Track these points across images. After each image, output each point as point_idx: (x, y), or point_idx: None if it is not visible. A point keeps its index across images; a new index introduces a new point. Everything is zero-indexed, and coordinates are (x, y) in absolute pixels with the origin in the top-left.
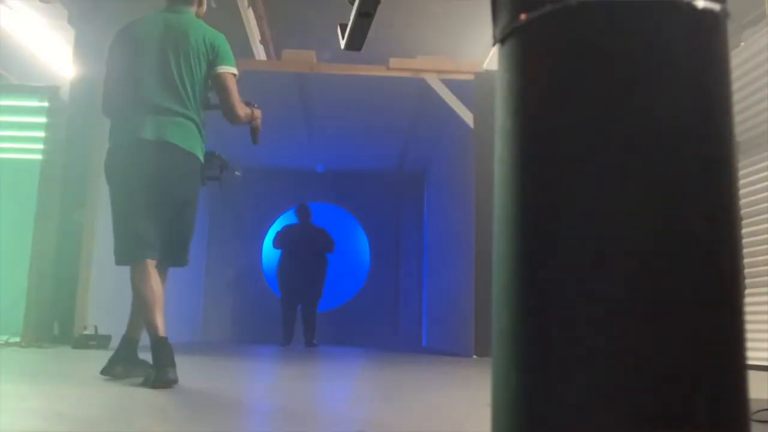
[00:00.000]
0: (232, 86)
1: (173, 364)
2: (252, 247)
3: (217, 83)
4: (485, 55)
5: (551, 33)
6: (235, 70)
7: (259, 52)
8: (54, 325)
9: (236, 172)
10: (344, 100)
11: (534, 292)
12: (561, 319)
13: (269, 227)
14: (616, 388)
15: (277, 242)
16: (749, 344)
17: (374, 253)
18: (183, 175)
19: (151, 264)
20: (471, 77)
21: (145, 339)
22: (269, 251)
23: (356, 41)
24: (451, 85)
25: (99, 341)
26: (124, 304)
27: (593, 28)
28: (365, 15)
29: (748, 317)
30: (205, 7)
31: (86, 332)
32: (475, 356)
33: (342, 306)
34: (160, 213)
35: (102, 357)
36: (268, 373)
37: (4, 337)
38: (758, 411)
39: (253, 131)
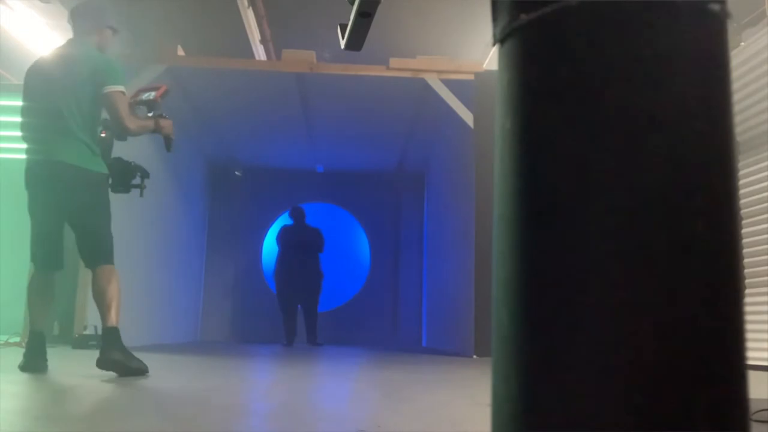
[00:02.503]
0: (118, 103)
1: (43, 357)
2: (251, 247)
3: (104, 102)
4: (485, 55)
5: (551, 33)
6: (121, 88)
7: (259, 52)
8: (54, 325)
9: (236, 172)
10: (344, 100)
11: (534, 292)
12: (561, 319)
13: (269, 227)
14: (615, 388)
15: (276, 241)
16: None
17: (374, 253)
18: (75, 187)
19: (41, 274)
20: (471, 77)
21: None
22: (269, 251)
23: (356, 41)
24: (451, 85)
25: (99, 341)
26: (124, 304)
27: (593, 28)
28: (365, 15)
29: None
30: (106, 36)
31: (86, 332)
32: (475, 356)
33: (342, 306)
34: (73, 223)
35: None
36: (268, 372)
37: (4, 337)
38: (758, 411)
39: (166, 140)
